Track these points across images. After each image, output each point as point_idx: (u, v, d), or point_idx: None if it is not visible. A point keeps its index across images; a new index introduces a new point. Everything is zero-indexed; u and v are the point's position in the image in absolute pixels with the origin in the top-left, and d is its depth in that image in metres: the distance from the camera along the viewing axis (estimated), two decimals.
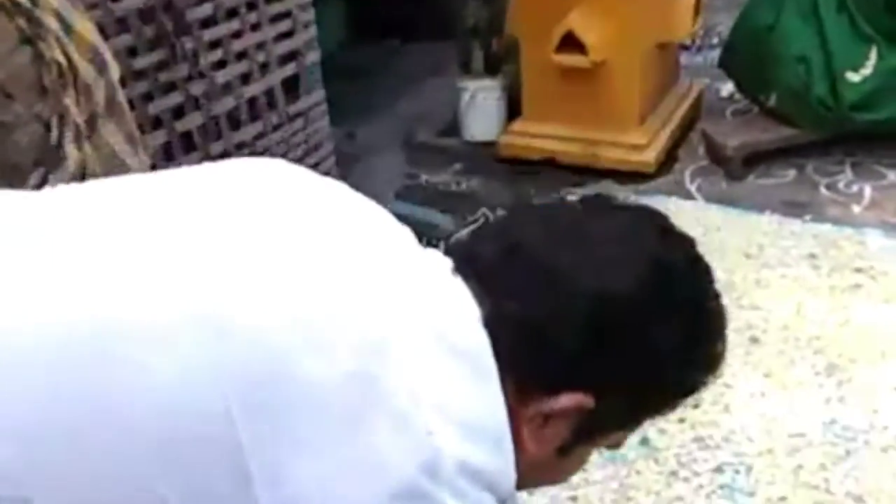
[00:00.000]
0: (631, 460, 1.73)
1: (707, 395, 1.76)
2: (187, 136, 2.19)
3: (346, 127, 3.17)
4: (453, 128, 3.14)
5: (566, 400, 0.78)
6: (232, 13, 2.30)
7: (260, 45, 2.39)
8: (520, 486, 0.84)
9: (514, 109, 3.01)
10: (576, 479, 1.67)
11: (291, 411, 0.69)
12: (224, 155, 2.31)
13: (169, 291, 0.70)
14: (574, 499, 1.66)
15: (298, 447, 0.68)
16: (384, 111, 3.34)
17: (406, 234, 0.85)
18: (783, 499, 1.62)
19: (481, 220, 2.61)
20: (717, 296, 0.86)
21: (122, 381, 0.67)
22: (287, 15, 2.47)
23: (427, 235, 2.57)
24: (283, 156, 2.53)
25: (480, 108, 3.01)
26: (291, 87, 2.53)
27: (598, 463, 1.72)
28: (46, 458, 0.68)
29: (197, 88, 2.18)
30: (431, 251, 0.84)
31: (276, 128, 2.48)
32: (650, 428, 1.79)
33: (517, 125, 2.96)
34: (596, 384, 0.78)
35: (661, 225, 0.87)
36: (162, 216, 0.77)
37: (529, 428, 0.79)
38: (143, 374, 0.67)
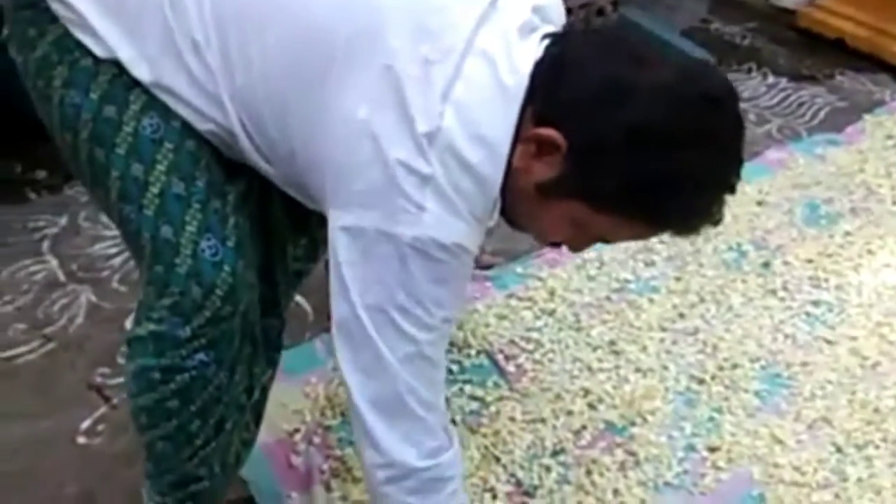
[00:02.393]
0: (744, 272, 1.97)
1: (846, 251, 1.95)
2: None
3: None
4: None
5: (548, 131, 1.00)
6: None
7: None
8: (504, 210, 1.07)
9: None
10: (690, 265, 1.95)
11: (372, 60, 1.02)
12: None
13: None
14: (678, 279, 1.94)
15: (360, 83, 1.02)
16: None
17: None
18: (853, 338, 1.79)
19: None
20: (708, 134, 0.99)
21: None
22: None
23: None
24: None
25: None
26: None
27: (713, 263, 1.98)
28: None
29: None
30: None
31: None
32: (776, 258, 2.00)
33: (824, 1, 3.00)
34: (577, 136, 0.99)
35: (710, 75, 1.04)
36: None
37: (524, 150, 1.02)
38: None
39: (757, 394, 1.67)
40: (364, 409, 1.09)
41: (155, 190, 1.09)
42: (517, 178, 1.03)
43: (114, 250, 1.97)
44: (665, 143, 0.97)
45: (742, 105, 2.97)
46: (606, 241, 1.13)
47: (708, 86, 1.01)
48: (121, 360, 1.64)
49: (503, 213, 1.08)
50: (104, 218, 2.09)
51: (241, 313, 1.13)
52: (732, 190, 1.03)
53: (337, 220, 1.05)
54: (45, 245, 2.02)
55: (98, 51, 1.10)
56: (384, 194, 1.00)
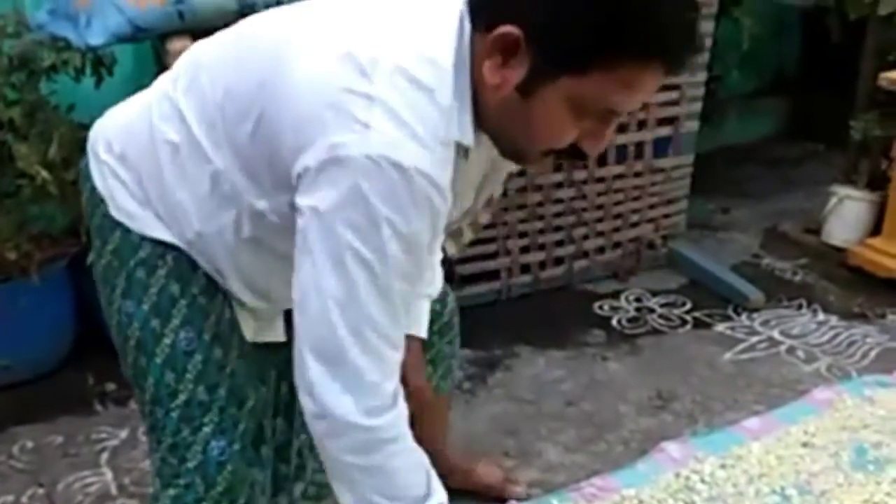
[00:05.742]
0: None
1: (894, 500, 1.91)
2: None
3: (722, 202, 3.56)
4: (819, 228, 3.31)
5: (501, 28, 1.02)
6: None
7: (643, 106, 2.88)
8: (489, 126, 1.10)
9: (879, 225, 3.11)
10: None
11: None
12: (587, 180, 2.86)
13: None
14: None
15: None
16: (763, 197, 3.64)
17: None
18: None
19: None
20: None
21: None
22: (676, 87, 2.92)
23: (735, 303, 2.86)
24: (636, 199, 2.98)
25: (844, 214, 3.15)
26: (662, 145, 2.97)
27: None
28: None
29: None
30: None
31: (637, 175, 2.94)
32: None
33: (875, 240, 3.06)
34: (527, 18, 1.01)
35: None
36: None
37: (491, 65, 1.05)
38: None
39: None
40: (307, 356, 1.08)
41: (183, 397, 1.24)
42: (496, 94, 1.06)
43: None
44: None
45: (791, 342, 3.05)
46: (612, 112, 1.08)
47: None
48: None
49: (501, 150, 1.14)
50: None
51: None
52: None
53: (301, 163, 1.06)
54: (104, 457, 2.13)
55: (134, 226, 1.24)
56: (336, 122, 1.02)
